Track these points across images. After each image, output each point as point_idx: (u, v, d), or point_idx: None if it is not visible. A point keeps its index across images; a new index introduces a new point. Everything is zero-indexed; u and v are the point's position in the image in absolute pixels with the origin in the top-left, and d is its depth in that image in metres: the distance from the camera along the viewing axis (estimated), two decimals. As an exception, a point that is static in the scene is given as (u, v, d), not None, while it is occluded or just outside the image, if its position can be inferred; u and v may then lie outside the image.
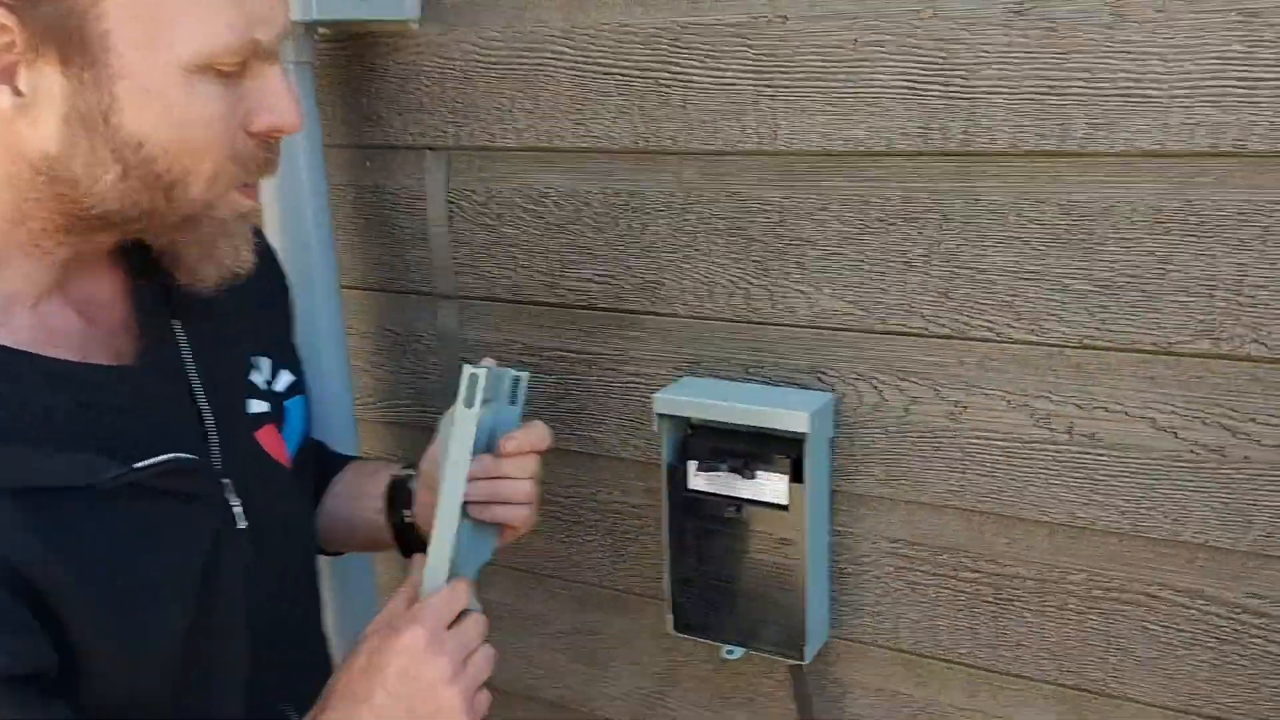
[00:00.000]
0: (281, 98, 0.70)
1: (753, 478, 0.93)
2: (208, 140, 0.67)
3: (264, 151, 0.72)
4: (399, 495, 0.94)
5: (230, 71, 0.67)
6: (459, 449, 0.77)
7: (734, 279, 0.96)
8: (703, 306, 0.98)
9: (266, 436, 0.84)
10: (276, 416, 0.85)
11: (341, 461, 1.02)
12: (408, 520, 0.94)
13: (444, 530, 0.77)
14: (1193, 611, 0.85)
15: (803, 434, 0.90)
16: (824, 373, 0.95)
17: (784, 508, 0.93)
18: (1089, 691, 0.90)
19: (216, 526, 0.76)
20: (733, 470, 0.93)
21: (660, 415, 0.96)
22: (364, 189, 1.14)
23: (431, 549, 0.76)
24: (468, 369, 0.76)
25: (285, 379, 0.88)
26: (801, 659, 0.95)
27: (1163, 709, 0.88)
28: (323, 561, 1.16)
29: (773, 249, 0.94)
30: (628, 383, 1.04)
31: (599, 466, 1.08)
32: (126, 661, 0.68)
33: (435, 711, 0.71)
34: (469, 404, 0.76)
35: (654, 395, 0.95)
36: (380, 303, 1.17)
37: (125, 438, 0.70)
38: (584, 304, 1.05)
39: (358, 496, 0.98)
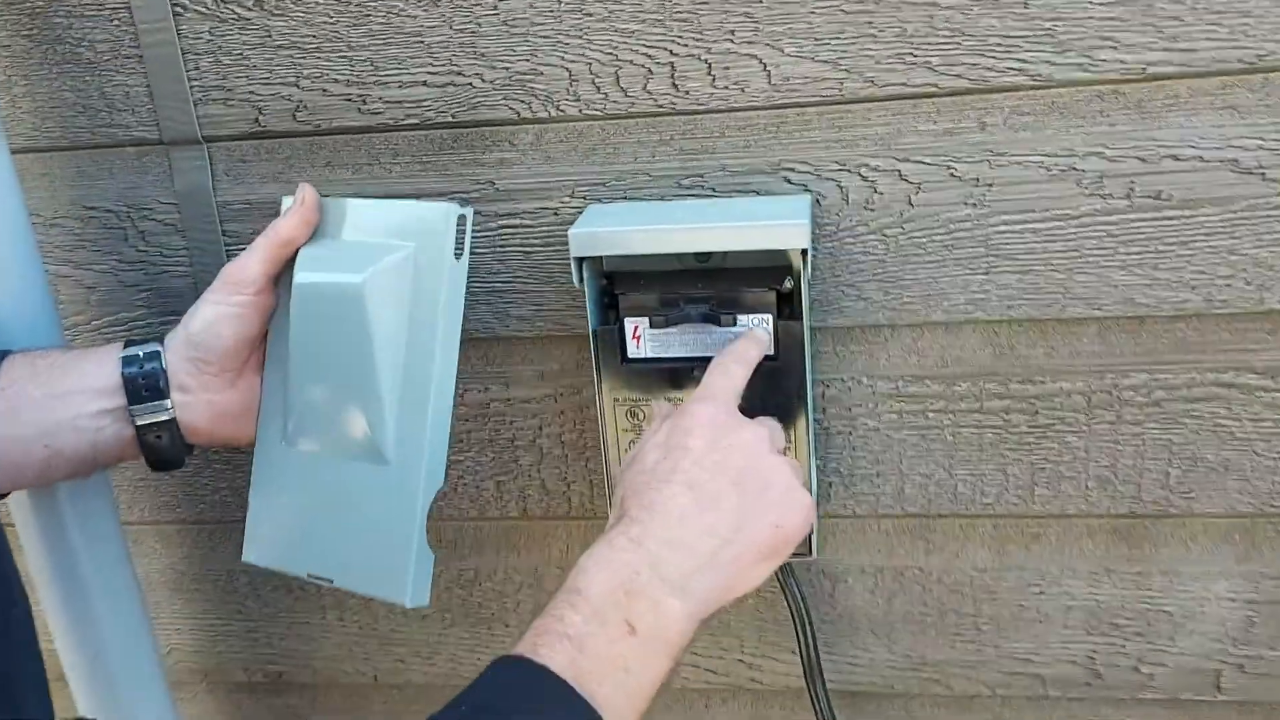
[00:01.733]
0: None
1: (732, 324, 0.66)
2: None
3: None
4: (142, 384, 0.66)
5: None
6: (452, 315, 0.64)
7: (650, 49, 0.67)
8: (605, 99, 0.69)
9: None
10: None
11: None
12: (166, 418, 0.66)
13: (442, 420, 0.65)
14: (1276, 394, 0.70)
15: (802, 250, 0.64)
16: (793, 169, 0.69)
17: (772, 359, 0.67)
18: (1146, 516, 0.74)
19: None
20: (705, 320, 0.66)
21: (580, 261, 0.66)
22: (17, -13, 0.73)
23: (431, 440, 0.64)
24: (450, 208, 0.63)
25: None
26: (809, 553, 0.72)
27: (1234, 517, 0.73)
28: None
29: (708, -2, 0.66)
30: (498, 231, 0.73)
31: (463, 356, 0.77)
32: None
33: (765, 486, 0.58)
34: (459, 253, 0.64)
35: (570, 232, 0.65)
36: (75, 168, 0.77)
37: None
38: (415, 122, 0.72)
39: (54, 399, 0.65)
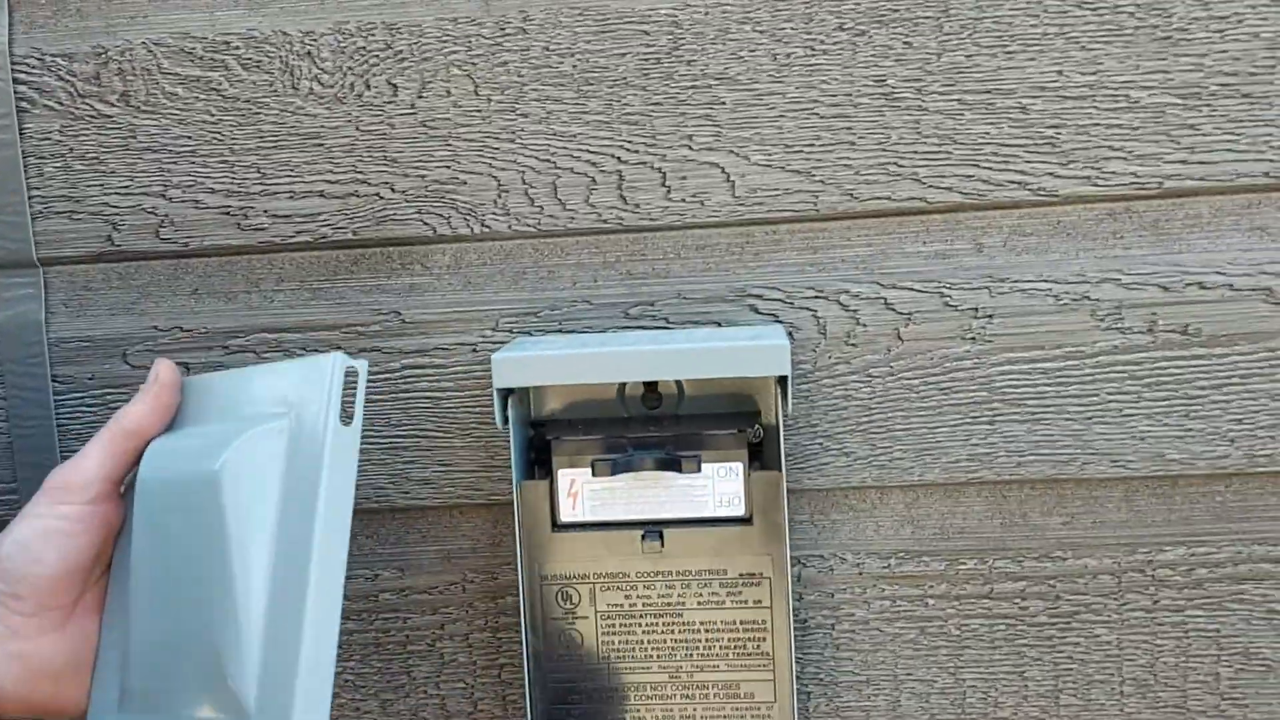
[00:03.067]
0: None
1: (695, 470, 0.53)
2: None
3: None
4: None
5: None
6: (338, 503, 0.48)
7: (595, 156, 0.58)
8: (540, 213, 0.58)
9: None
10: None
11: None
12: None
13: (322, 649, 0.47)
14: (1335, 572, 0.58)
15: (780, 379, 0.53)
16: (760, 295, 0.58)
17: (744, 520, 0.54)
18: (1193, 731, 0.60)
19: None
20: (662, 466, 0.53)
21: (504, 395, 0.53)
22: None
23: (306, 679, 0.46)
24: (335, 359, 0.49)
25: None
26: (789, 785, 0.56)
27: (1293, 731, 0.60)
28: None
29: (661, 96, 0.57)
30: (400, 373, 0.60)
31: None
32: None
33: None
34: (348, 419, 0.49)
35: (493, 358, 0.52)
36: None
37: None
38: (307, 239, 0.60)
39: None
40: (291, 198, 0.59)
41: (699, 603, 0.55)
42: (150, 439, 0.52)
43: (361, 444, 0.59)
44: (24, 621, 0.50)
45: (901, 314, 0.57)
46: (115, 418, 0.52)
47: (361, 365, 0.50)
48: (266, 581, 0.48)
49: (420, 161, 0.58)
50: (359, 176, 0.59)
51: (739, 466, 0.54)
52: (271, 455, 0.49)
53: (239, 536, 0.48)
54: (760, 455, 0.56)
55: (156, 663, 0.50)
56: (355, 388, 0.50)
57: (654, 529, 0.54)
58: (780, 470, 0.53)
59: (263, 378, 0.52)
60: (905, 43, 0.56)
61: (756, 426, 0.55)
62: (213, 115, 0.59)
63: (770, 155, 0.57)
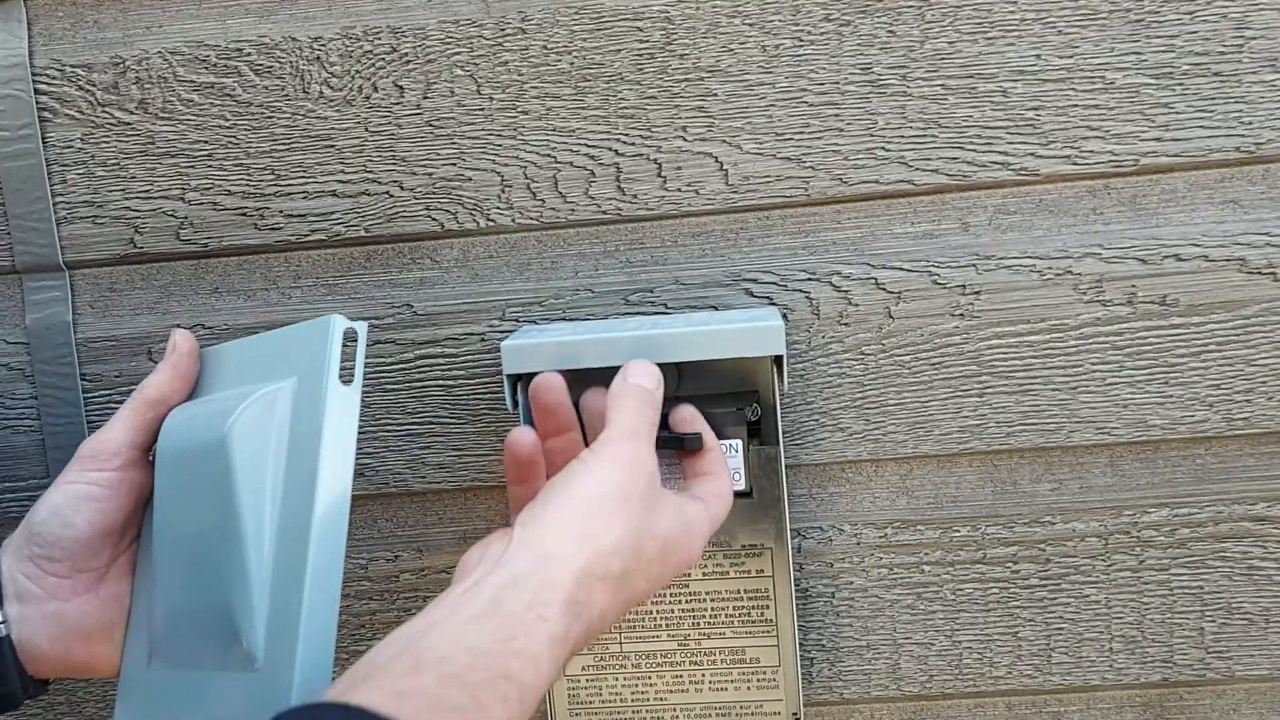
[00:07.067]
0: None
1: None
2: None
3: None
4: None
5: None
6: (339, 460, 0.48)
7: (593, 149, 0.60)
8: (542, 206, 0.61)
9: None
10: None
11: None
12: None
13: (324, 601, 0.47)
14: (1313, 528, 0.61)
15: (775, 358, 0.55)
16: (755, 279, 0.61)
17: (745, 495, 0.57)
18: (1181, 684, 0.63)
19: None
20: (666, 445, 0.55)
21: (514, 380, 0.56)
22: None
23: (308, 628, 0.46)
24: (333, 320, 0.49)
25: None
26: (794, 744, 0.58)
27: (1276, 682, 0.62)
28: None
29: (656, 90, 0.59)
30: (414, 363, 0.63)
31: (369, 516, 0.64)
32: None
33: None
34: (348, 377, 0.49)
35: (502, 345, 0.55)
36: (-95, 297, 0.65)
37: None
38: (321, 238, 0.62)
39: None
40: (305, 198, 0.62)
41: (704, 574, 0.57)
42: (173, 406, 0.55)
43: (381, 433, 0.62)
44: (59, 583, 0.52)
45: (892, 293, 0.60)
46: (139, 387, 0.55)
47: (361, 327, 0.50)
48: (273, 538, 0.49)
49: (427, 159, 0.61)
50: (369, 176, 0.61)
51: (739, 443, 0.56)
52: (276, 417, 0.50)
53: (247, 498, 0.49)
54: (759, 433, 0.58)
55: (178, 623, 0.52)
56: (353, 349, 0.50)
57: (660, 504, 0.56)
58: (778, 445, 0.56)
59: (270, 343, 0.53)
60: (889, 31, 0.58)
61: (754, 405, 0.58)
62: (227, 120, 0.61)
63: (761, 144, 0.59)
